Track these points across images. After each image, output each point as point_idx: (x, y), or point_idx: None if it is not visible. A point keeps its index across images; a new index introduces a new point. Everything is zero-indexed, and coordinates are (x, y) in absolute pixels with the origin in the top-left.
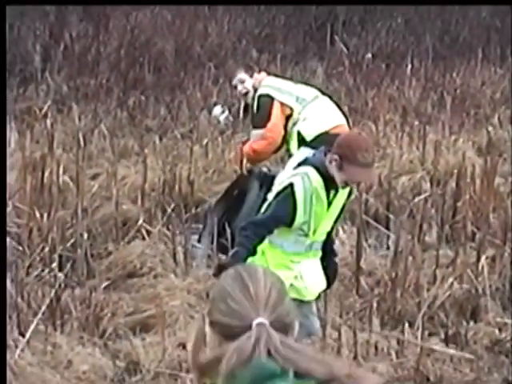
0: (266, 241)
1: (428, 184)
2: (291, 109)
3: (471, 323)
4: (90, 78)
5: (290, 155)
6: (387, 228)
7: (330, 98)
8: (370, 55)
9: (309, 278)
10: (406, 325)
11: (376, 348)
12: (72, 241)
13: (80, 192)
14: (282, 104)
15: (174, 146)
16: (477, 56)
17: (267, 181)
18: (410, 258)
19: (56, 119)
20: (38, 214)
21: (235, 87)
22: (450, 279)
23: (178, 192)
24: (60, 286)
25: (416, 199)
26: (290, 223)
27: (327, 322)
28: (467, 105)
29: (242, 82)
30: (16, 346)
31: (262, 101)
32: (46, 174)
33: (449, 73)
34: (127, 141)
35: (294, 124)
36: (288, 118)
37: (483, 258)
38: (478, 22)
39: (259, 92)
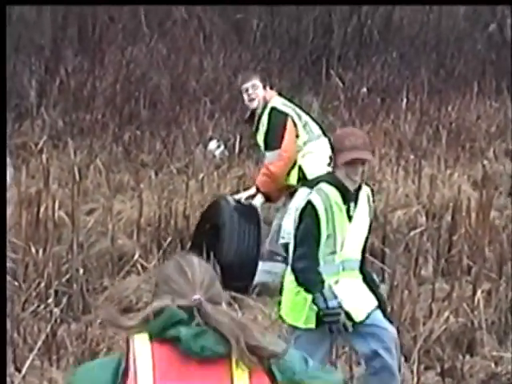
0: None
1: (423, 218)
2: (297, 135)
3: (467, 357)
4: (86, 113)
5: (289, 186)
6: (383, 262)
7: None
8: (365, 89)
9: (348, 299)
10: (402, 359)
11: None
12: (68, 276)
13: (75, 227)
14: (294, 124)
15: (170, 180)
16: (472, 89)
17: (249, 213)
18: (406, 292)
19: (51, 154)
20: (33, 250)
21: (246, 90)
22: (446, 313)
23: (173, 227)
24: (56, 321)
25: (411, 233)
26: (318, 239)
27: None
28: (462, 138)
29: (255, 88)
30: (12, 382)
31: (276, 116)
32: (42, 209)
33: (444, 106)
34: (123, 176)
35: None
36: None
37: (479, 291)
38: (473, 55)
39: (273, 105)
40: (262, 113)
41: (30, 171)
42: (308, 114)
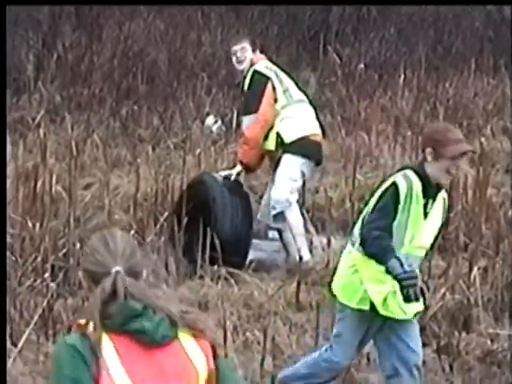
0: (359, 253)
1: None
2: (276, 99)
3: (463, 334)
4: (83, 87)
5: (267, 152)
6: None
7: (314, 108)
8: (362, 65)
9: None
10: None
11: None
12: (64, 250)
13: (72, 202)
14: (273, 87)
15: (167, 155)
16: (470, 67)
17: (237, 188)
18: None
19: (49, 129)
20: (30, 224)
21: (235, 53)
22: (443, 290)
23: (170, 202)
24: (52, 295)
25: None
26: (393, 220)
27: (319, 332)
28: (460, 115)
29: (244, 50)
30: (9, 356)
31: (257, 78)
32: (39, 183)
33: (441, 83)
34: (120, 151)
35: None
36: None
37: (475, 268)
38: (471, 32)
39: (255, 67)
40: (246, 75)
41: (28, 146)
42: (293, 79)
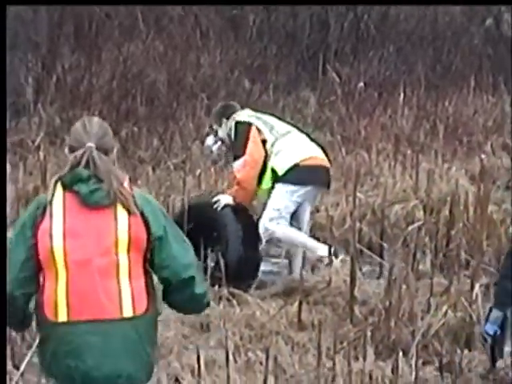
0: None
1: (421, 212)
2: (264, 140)
3: (466, 351)
4: (83, 109)
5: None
6: (381, 257)
7: (302, 131)
8: (362, 84)
9: None
10: (401, 353)
11: (370, 377)
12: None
13: None
14: (259, 130)
15: (167, 176)
16: (469, 84)
17: (244, 209)
18: (404, 287)
19: (49, 151)
20: None
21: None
22: (444, 307)
23: None
24: None
25: (409, 228)
26: None
27: (321, 351)
28: (460, 133)
29: (220, 146)
30: (10, 379)
31: (240, 127)
32: None
33: (441, 101)
34: None
35: (266, 157)
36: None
37: (477, 285)
38: (469, 50)
39: (236, 119)
40: (230, 132)
41: (28, 168)
42: (274, 115)
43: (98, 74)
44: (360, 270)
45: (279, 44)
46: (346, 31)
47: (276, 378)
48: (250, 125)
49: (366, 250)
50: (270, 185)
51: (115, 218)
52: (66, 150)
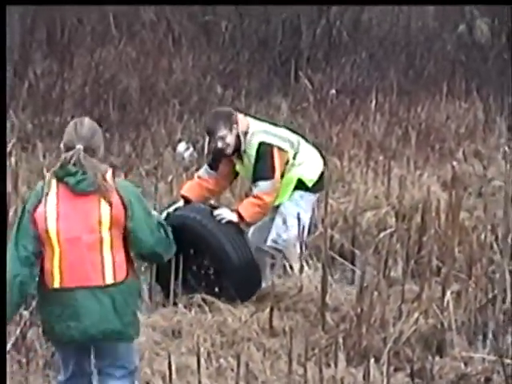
0: None
1: (393, 219)
2: (288, 159)
3: (437, 358)
4: (55, 115)
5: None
6: (353, 263)
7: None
8: (334, 91)
9: None
10: (372, 360)
11: None
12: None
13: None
14: (281, 150)
15: (139, 183)
16: (441, 90)
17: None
18: (376, 294)
19: (20, 157)
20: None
21: (214, 143)
22: (416, 314)
23: None
24: (25, 324)
25: (381, 234)
26: None
27: (292, 358)
28: (432, 139)
29: (223, 138)
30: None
31: (263, 149)
32: (11, 211)
33: (413, 107)
34: None
35: (289, 170)
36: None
37: (448, 292)
38: (442, 55)
39: (257, 139)
40: (245, 146)
41: None
42: (285, 126)
43: (70, 79)
44: (331, 276)
45: (251, 50)
46: (318, 37)
47: None
48: (272, 146)
49: (337, 257)
50: (287, 198)
51: (99, 202)
52: (62, 146)
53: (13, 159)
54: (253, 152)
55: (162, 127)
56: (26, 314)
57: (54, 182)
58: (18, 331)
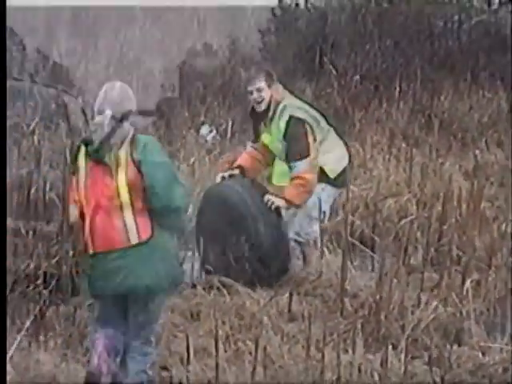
0: None
1: (414, 207)
2: (315, 138)
3: (455, 347)
4: (78, 95)
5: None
6: (372, 250)
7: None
8: (358, 77)
9: None
10: (390, 347)
11: (359, 370)
12: (57, 258)
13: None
14: (310, 127)
15: None
16: (465, 79)
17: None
18: (395, 281)
19: (43, 136)
20: (23, 231)
21: (251, 93)
22: (435, 302)
23: None
24: (44, 302)
25: (402, 222)
26: None
27: (310, 343)
28: (454, 128)
29: (260, 90)
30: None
31: (295, 124)
32: (33, 190)
33: (437, 96)
34: None
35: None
36: None
37: (468, 281)
38: (467, 45)
39: (289, 112)
40: (274, 115)
41: (22, 152)
42: (313, 106)
43: (94, 59)
44: (351, 263)
45: (277, 35)
46: (343, 24)
47: (265, 369)
48: (304, 123)
49: (357, 243)
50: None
51: (116, 170)
52: (95, 110)
53: (35, 138)
54: (282, 123)
55: (185, 109)
56: (45, 292)
57: (83, 150)
58: (37, 310)
